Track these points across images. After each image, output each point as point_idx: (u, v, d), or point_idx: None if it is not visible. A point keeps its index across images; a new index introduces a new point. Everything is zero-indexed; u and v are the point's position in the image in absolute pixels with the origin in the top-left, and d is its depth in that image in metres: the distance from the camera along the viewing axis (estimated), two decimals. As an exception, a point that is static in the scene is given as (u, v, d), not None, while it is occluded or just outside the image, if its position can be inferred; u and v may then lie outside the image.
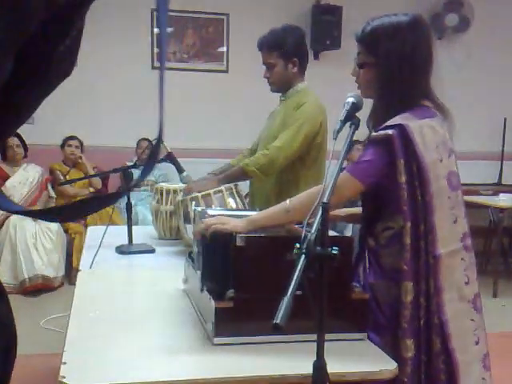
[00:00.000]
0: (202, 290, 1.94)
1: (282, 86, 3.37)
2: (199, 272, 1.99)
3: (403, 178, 1.93)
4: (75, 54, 0.95)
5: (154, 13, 7.14)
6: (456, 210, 2.00)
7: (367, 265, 2.15)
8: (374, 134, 2.02)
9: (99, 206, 1.08)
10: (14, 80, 0.84)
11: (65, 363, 1.61)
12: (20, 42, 0.80)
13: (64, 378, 1.52)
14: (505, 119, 7.94)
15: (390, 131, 1.94)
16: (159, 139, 0.91)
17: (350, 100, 1.88)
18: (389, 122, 1.97)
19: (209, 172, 3.44)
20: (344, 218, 2.55)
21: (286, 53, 3.27)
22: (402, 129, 1.94)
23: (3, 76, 0.81)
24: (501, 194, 6.59)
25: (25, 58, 0.84)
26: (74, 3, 0.85)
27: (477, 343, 2.03)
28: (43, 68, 0.89)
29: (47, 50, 0.87)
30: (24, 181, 6.27)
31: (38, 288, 5.81)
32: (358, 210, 2.32)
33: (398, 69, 2.01)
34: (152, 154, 1.02)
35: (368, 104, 2.07)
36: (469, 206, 3.34)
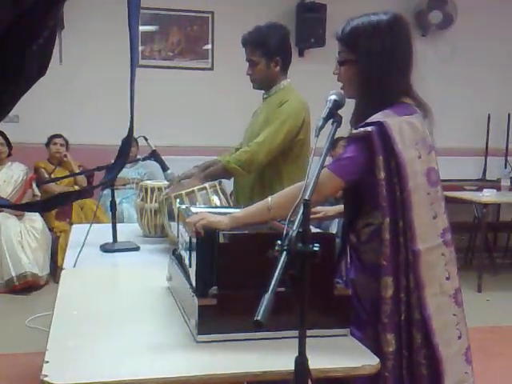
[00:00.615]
0: (197, 290, 1.89)
1: (264, 83, 3.37)
2: (191, 269, 1.97)
3: (382, 175, 1.95)
4: (49, 53, 0.95)
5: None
6: (435, 205, 2.02)
7: (349, 261, 2.17)
8: (354, 131, 2.03)
9: (66, 201, 1.09)
10: None
11: (47, 362, 1.60)
12: None
13: (46, 376, 1.52)
14: (489, 115, 7.99)
15: (369, 128, 1.95)
16: (129, 138, 0.91)
17: (332, 97, 1.89)
18: (369, 119, 1.98)
19: (194, 166, 3.44)
20: (333, 216, 2.57)
21: (269, 52, 3.28)
22: (380, 126, 1.95)
23: None
24: (485, 190, 6.63)
25: None
26: (44, 5, 0.85)
27: (459, 337, 2.05)
28: (16, 67, 0.89)
29: (19, 49, 0.87)
30: (9, 179, 6.24)
31: (28, 285, 5.80)
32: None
33: (378, 67, 2.03)
34: (121, 152, 1.02)
35: (350, 102, 2.08)
36: (453, 201, 3.37)
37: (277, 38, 3.31)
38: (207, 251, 1.86)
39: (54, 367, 1.58)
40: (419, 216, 1.96)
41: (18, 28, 0.83)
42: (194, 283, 1.90)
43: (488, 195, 6.50)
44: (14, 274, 5.75)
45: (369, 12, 2.13)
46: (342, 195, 2.22)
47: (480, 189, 6.98)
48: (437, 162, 2.05)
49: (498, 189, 6.94)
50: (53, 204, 1.24)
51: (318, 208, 2.56)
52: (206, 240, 1.87)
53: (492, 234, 7.74)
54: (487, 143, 8.07)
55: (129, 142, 0.96)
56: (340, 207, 2.49)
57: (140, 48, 7.22)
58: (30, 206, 1.48)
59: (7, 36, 0.82)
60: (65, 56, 6.55)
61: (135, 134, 3.60)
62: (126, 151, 1.02)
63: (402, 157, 1.95)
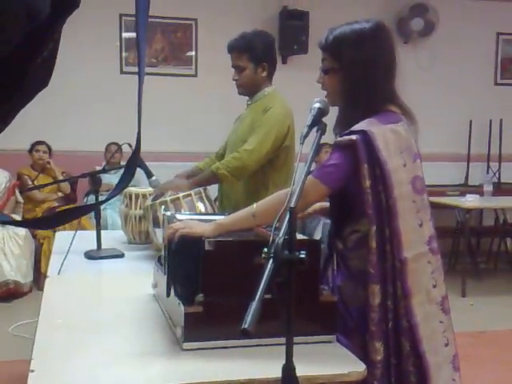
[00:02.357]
0: (168, 295, 1.94)
1: (249, 89, 3.39)
2: (166, 277, 1.99)
3: (367, 183, 1.95)
4: (52, 65, 0.95)
5: (123, 17, 7.13)
6: (421, 213, 2.02)
7: (335, 267, 2.17)
8: (338, 138, 2.03)
9: (73, 217, 1.09)
10: None
11: (33, 371, 1.59)
12: None
13: (32, 385, 1.51)
14: (470, 121, 8.05)
15: (353, 136, 1.96)
16: (136, 152, 0.91)
17: (316, 105, 1.89)
18: (353, 128, 1.99)
19: (176, 174, 3.44)
20: (310, 214, 2.56)
21: (256, 57, 3.30)
22: (365, 134, 1.96)
23: None
24: (467, 195, 6.67)
25: (1, 71, 0.84)
26: (51, 18, 0.85)
27: (446, 345, 2.04)
28: (19, 80, 0.89)
29: (25, 61, 0.87)
30: (-9, 186, 6.21)
31: (10, 293, 5.77)
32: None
33: (362, 75, 2.04)
34: (128, 166, 1.02)
35: (334, 109, 2.09)
36: (436, 206, 3.39)
37: (263, 43, 3.34)
38: (193, 258, 1.86)
39: (40, 376, 1.58)
40: (405, 224, 1.97)
41: (25, 42, 0.83)
42: (170, 290, 1.90)
43: (471, 200, 6.54)
44: (-4, 282, 5.73)
45: (351, 19, 2.14)
46: (328, 202, 2.23)
47: (462, 194, 7.02)
48: (422, 170, 2.06)
49: (481, 194, 6.99)
50: (58, 221, 1.24)
51: None
52: (192, 247, 1.87)
53: (475, 239, 7.78)
54: (469, 149, 8.13)
55: (134, 161, 0.96)
56: (317, 205, 2.48)
57: (124, 54, 7.23)
58: (34, 223, 1.49)
59: (14, 50, 0.82)
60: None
61: (119, 141, 3.58)
62: (133, 171, 1.02)
63: (387, 166, 1.95)
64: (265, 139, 3.21)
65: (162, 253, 2.22)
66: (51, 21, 0.86)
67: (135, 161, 0.99)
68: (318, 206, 2.49)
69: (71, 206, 6.33)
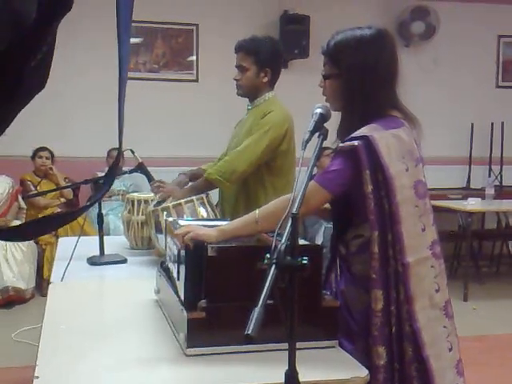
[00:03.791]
0: (185, 303, 1.90)
1: (249, 91, 3.38)
2: (179, 282, 1.98)
3: (369, 188, 1.95)
4: (48, 68, 0.95)
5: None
6: (424, 217, 2.02)
7: (338, 272, 2.17)
8: (340, 144, 2.04)
9: (59, 224, 1.09)
10: None
11: (37, 377, 1.60)
12: None
13: (37, 392, 1.52)
14: (472, 124, 8.05)
15: (355, 142, 1.96)
16: (118, 155, 0.91)
17: (318, 111, 1.90)
18: (355, 133, 1.99)
19: (180, 173, 3.45)
20: (319, 214, 2.56)
21: (261, 61, 3.31)
22: (367, 140, 1.96)
23: None
24: (469, 199, 6.66)
25: None
26: (44, 21, 0.86)
27: (450, 350, 2.04)
28: (14, 84, 0.89)
29: (18, 65, 0.88)
30: (-6, 193, 6.21)
31: (11, 300, 5.77)
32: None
33: (361, 81, 2.04)
34: (111, 169, 1.03)
35: (336, 114, 2.09)
36: (438, 210, 3.38)
37: (270, 49, 3.35)
38: (196, 264, 1.86)
39: (45, 383, 1.58)
40: (408, 229, 1.96)
41: (16, 46, 0.83)
42: (182, 296, 1.90)
43: (473, 204, 6.53)
44: (-4, 289, 5.74)
45: (351, 23, 2.15)
46: (330, 207, 2.23)
47: (464, 197, 7.01)
48: (424, 175, 2.06)
49: (483, 197, 6.97)
50: (34, 231, 1.24)
51: None
52: (195, 253, 1.87)
53: (477, 243, 7.76)
54: (471, 152, 8.12)
55: (115, 170, 0.96)
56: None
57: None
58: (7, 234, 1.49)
59: (5, 54, 0.82)
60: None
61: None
62: (112, 179, 1.02)
63: (389, 171, 1.95)
64: (258, 142, 3.20)
65: (167, 258, 2.23)
66: (43, 24, 0.86)
67: (114, 172, 0.99)
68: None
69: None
